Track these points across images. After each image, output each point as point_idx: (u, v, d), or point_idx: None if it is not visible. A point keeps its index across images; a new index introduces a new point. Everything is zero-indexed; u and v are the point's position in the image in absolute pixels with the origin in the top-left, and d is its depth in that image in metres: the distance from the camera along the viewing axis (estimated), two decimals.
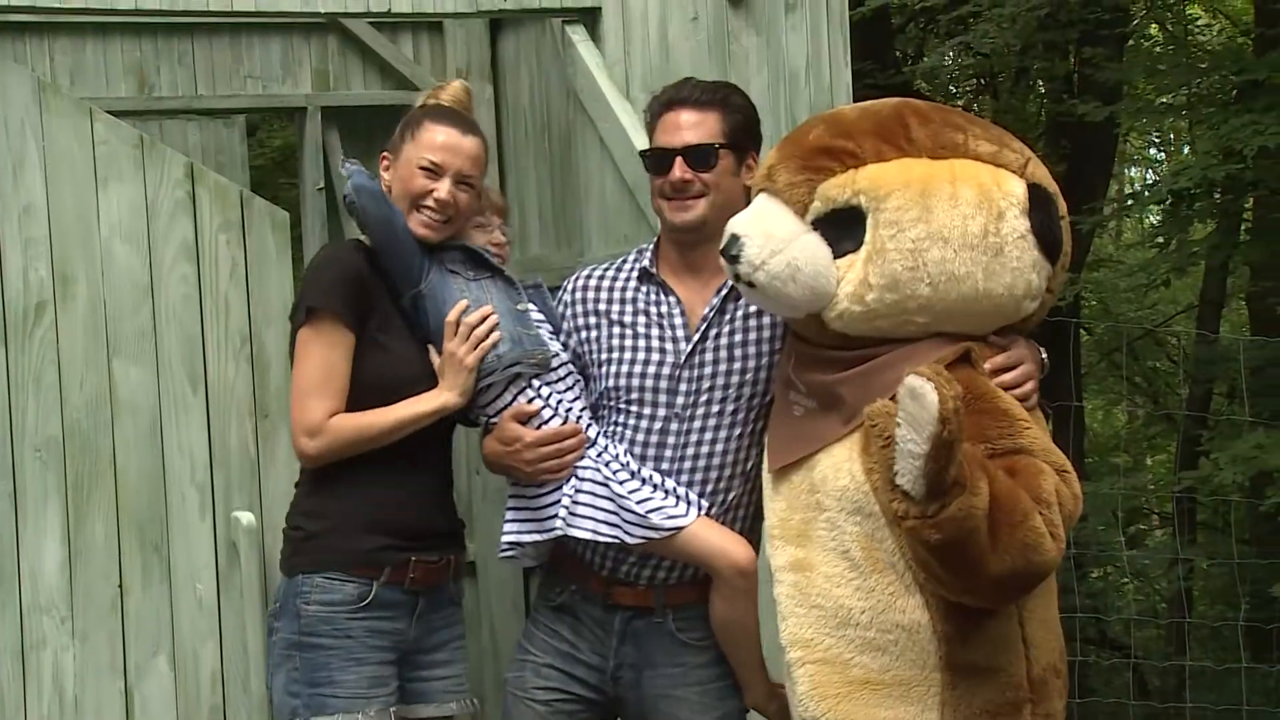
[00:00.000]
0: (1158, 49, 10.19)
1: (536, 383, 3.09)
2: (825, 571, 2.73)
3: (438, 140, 3.11)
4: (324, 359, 3.06)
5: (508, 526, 3.10)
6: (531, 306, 3.18)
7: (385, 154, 3.19)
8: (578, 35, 4.33)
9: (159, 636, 3.70)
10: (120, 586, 3.67)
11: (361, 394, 3.07)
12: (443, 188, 3.09)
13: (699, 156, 3.03)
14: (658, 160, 3.08)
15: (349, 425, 3.05)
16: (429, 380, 3.09)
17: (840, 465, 2.71)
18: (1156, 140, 14.42)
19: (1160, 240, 8.58)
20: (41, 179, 3.67)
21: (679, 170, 3.03)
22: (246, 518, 3.70)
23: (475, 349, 3.05)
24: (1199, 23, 11.67)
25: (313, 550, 3.12)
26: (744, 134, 3.10)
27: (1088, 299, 11.04)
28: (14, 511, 3.62)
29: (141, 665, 3.68)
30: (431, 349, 3.11)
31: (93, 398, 3.67)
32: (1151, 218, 12.89)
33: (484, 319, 3.08)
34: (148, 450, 3.70)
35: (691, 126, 3.05)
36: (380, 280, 3.11)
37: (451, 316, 3.07)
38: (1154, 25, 10.78)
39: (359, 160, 3.17)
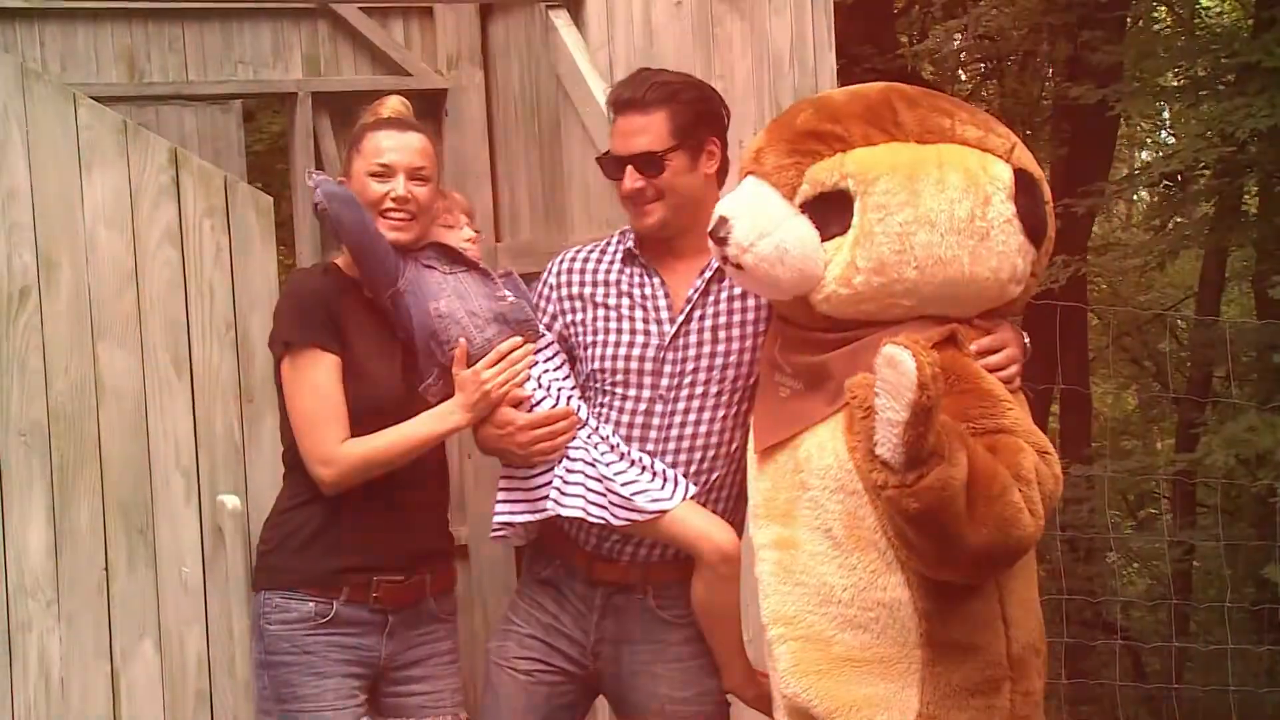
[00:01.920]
0: (1164, 32, 10.13)
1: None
2: (809, 549, 2.73)
3: (380, 145, 3.17)
4: (314, 388, 3.08)
5: (500, 507, 3.12)
6: (508, 293, 3.19)
7: (342, 178, 3.22)
8: (561, 20, 4.32)
9: (145, 620, 3.71)
10: (106, 570, 3.69)
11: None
12: (398, 186, 3.14)
13: (647, 164, 3.03)
14: (611, 168, 3.10)
15: (359, 451, 3.07)
16: (409, 396, 3.12)
17: (825, 444, 2.71)
18: (1166, 123, 14.34)
19: (1156, 223, 8.55)
20: (25, 164, 3.68)
21: (629, 180, 3.04)
22: (232, 501, 3.71)
23: (507, 382, 3.07)
24: (1204, 4, 11.59)
25: (271, 567, 3.16)
26: (697, 126, 3.07)
27: (1096, 283, 10.98)
28: None
29: (127, 649, 3.70)
30: (461, 343, 3.11)
31: (77, 382, 3.68)
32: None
33: (522, 351, 3.10)
34: (132, 435, 3.71)
35: (638, 133, 3.03)
36: (347, 298, 3.14)
37: (504, 348, 3.09)
38: (1163, 7, 10.71)
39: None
